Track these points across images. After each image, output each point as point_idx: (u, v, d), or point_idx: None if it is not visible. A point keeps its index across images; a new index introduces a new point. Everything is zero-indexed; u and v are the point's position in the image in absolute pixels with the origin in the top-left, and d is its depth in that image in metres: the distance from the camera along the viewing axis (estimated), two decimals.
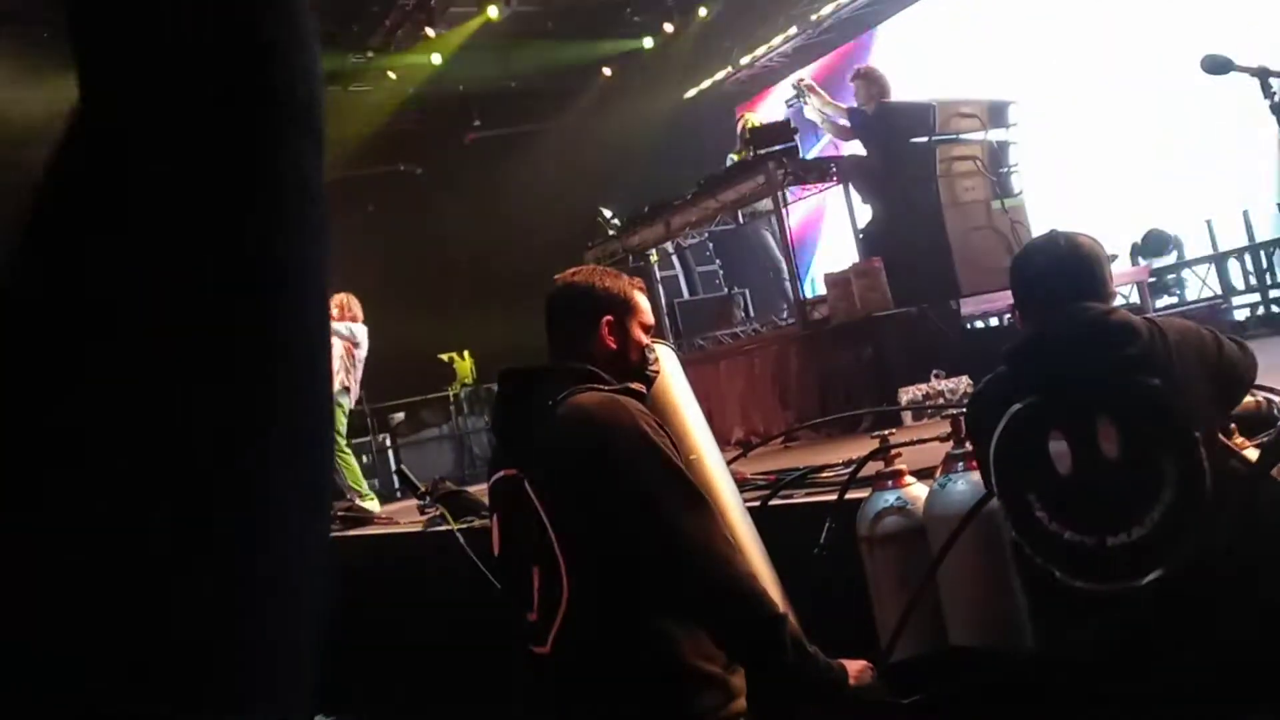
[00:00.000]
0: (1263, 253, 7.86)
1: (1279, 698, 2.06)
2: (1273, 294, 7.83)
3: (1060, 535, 2.35)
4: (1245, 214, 7.92)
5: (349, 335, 7.69)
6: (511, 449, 2.29)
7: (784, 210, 6.90)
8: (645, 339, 2.36)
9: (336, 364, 7.95)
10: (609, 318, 2.30)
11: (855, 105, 7.00)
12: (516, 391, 2.32)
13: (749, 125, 7.40)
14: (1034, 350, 2.50)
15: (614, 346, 2.30)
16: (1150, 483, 2.30)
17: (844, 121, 7.05)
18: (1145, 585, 2.25)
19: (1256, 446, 2.44)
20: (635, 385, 2.28)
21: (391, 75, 10.86)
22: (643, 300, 2.38)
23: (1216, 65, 3.01)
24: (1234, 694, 2.07)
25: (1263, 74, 2.91)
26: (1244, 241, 7.97)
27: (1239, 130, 6.93)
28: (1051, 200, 7.41)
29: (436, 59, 10.67)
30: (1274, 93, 2.89)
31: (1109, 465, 2.32)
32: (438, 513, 5.81)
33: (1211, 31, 7.69)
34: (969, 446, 2.74)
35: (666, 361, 2.83)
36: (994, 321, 7.02)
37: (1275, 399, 2.71)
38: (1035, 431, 2.37)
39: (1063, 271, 2.54)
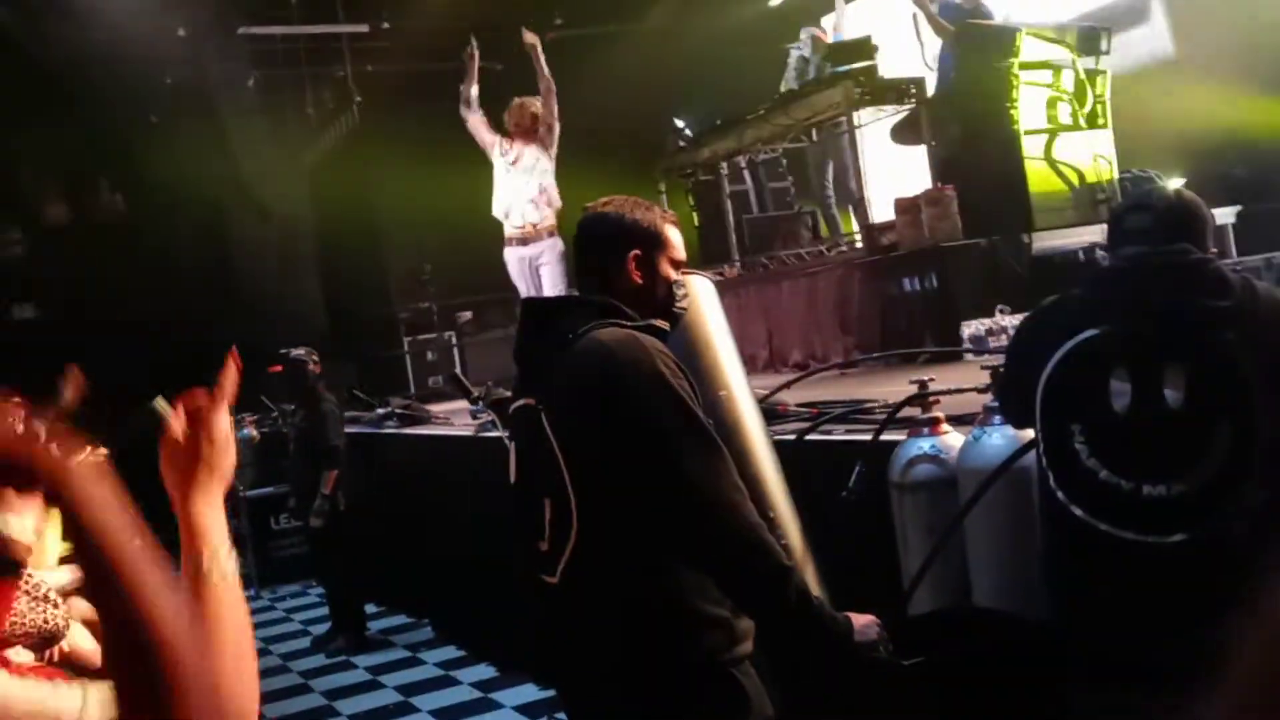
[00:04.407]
0: None
1: None
2: None
3: (1095, 474, 2.27)
4: None
5: None
6: (530, 379, 2.27)
7: (856, 130, 6.72)
8: (674, 275, 2.30)
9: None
10: (636, 252, 2.25)
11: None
12: (538, 322, 2.29)
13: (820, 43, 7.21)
14: (1119, 281, 2.40)
15: (640, 281, 2.25)
16: (1203, 440, 2.22)
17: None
18: (1168, 544, 2.19)
19: None
20: (659, 322, 2.24)
21: None
22: (674, 235, 2.32)
23: None
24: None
25: None
26: None
27: None
28: (1141, 135, 7.07)
29: None
30: None
31: (1167, 413, 2.24)
32: (489, 418, 5.87)
33: None
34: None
35: (701, 294, 2.78)
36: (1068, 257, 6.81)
37: None
38: (1098, 362, 2.27)
39: (1166, 209, 2.43)
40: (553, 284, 6.85)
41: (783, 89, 7.77)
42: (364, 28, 11.05)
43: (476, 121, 7.04)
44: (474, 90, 7.00)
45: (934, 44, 6.85)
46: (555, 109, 6.89)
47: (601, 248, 2.27)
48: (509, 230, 7.03)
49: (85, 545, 1.07)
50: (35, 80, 9.48)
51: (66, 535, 1.11)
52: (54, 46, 9.00)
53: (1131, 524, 2.21)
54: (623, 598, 2.11)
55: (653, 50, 11.10)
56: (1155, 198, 2.57)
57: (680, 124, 8.31)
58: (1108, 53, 6.46)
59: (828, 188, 7.72)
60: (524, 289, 7.03)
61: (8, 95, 9.75)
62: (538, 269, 6.94)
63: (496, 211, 7.05)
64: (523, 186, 6.91)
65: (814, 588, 2.17)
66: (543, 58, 6.75)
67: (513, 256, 7.04)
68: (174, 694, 1.04)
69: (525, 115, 6.87)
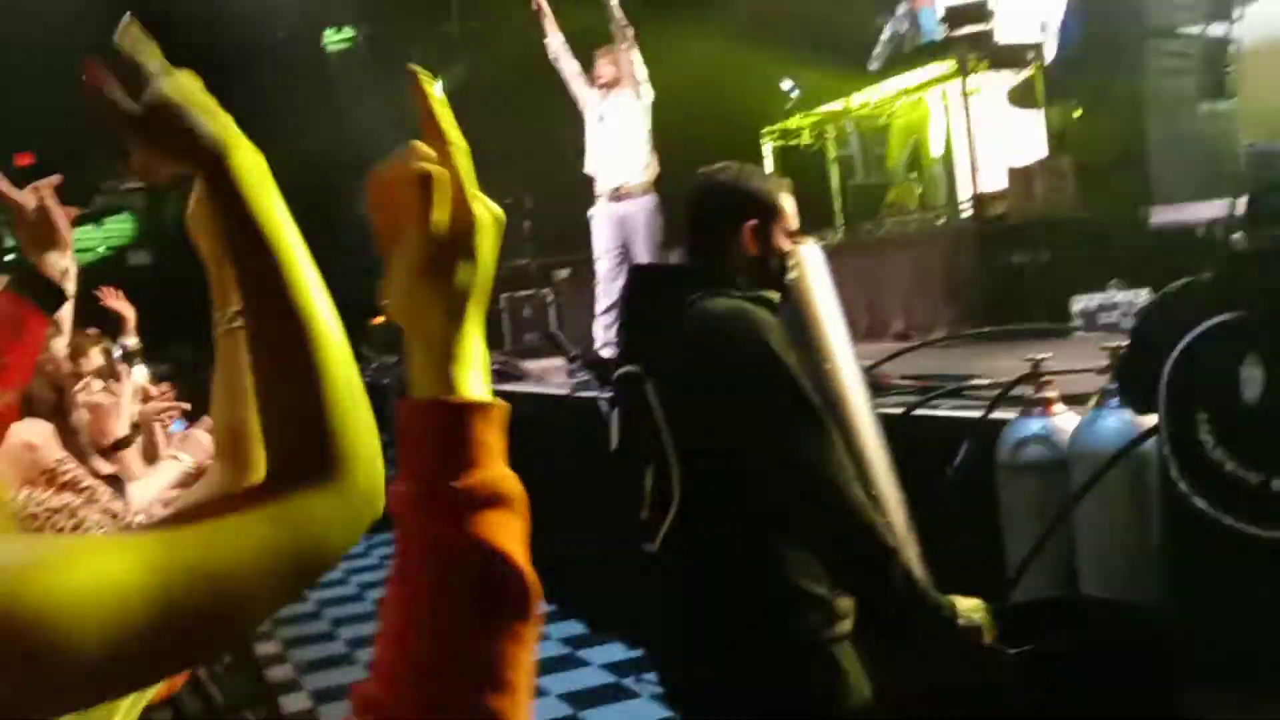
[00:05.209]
0: None
1: None
2: None
3: (1222, 465, 2.18)
4: None
5: None
6: (637, 346, 2.25)
7: (969, 96, 6.53)
8: (787, 245, 2.26)
9: None
10: (753, 221, 2.21)
11: None
12: (647, 289, 2.27)
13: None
14: (1255, 265, 2.29)
15: (756, 252, 2.21)
16: None
17: None
18: None
19: None
20: (770, 294, 2.20)
21: None
22: (789, 204, 2.28)
23: None
24: None
25: None
26: None
27: None
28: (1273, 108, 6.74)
29: None
30: None
31: None
32: (586, 378, 5.88)
33: None
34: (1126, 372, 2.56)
35: (810, 263, 2.73)
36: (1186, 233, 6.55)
37: None
38: (1230, 348, 2.18)
39: None
40: (645, 246, 6.73)
41: (872, 67, 7.57)
42: None
43: (570, 73, 6.88)
44: (557, 39, 6.81)
45: (1057, 9, 6.62)
46: (635, 61, 6.65)
47: (717, 216, 2.23)
48: (600, 188, 6.92)
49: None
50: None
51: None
52: (166, 4, 9.19)
53: (1259, 518, 2.12)
54: (721, 571, 2.09)
55: (761, 10, 10.91)
56: None
57: (786, 86, 8.16)
58: (1240, 19, 6.16)
59: (935, 154, 7.52)
60: (605, 249, 6.85)
61: None
62: (630, 230, 6.78)
63: (589, 168, 6.96)
64: (615, 142, 6.79)
65: (917, 569, 2.12)
66: (615, 4, 6.44)
67: (602, 214, 6.92)
68: None
69: (609, 68, 6.73)
